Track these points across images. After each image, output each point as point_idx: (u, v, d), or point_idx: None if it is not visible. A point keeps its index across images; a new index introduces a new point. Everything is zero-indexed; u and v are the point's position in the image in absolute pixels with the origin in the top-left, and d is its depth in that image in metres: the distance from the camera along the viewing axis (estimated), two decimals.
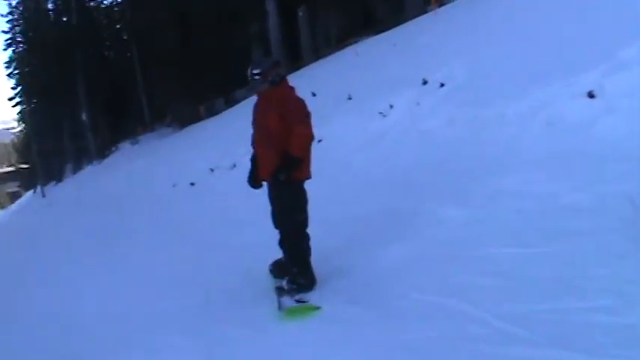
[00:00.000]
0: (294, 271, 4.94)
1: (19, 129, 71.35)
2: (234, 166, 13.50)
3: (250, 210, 9.27)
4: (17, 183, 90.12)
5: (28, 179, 70.16)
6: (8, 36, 48.33)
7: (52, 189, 41.23)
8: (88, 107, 37.62)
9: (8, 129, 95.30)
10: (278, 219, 5.07)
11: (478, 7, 13.46)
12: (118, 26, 42.67)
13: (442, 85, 9.23)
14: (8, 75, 50.28)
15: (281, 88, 4.94)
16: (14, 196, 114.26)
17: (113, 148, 34.96)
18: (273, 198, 5.07)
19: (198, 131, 22.63)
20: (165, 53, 28.43)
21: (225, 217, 9.82)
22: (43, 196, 36.04)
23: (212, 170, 14.57)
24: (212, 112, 27.60)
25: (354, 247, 5.53)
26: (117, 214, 16.38)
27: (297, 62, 22.76)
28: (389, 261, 4.91)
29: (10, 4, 46.91)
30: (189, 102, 28.76)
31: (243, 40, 26.05)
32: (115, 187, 21.49)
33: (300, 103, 4.90)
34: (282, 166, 4.73)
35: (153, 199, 15.98)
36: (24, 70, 46.82)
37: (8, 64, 49.97)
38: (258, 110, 5.12)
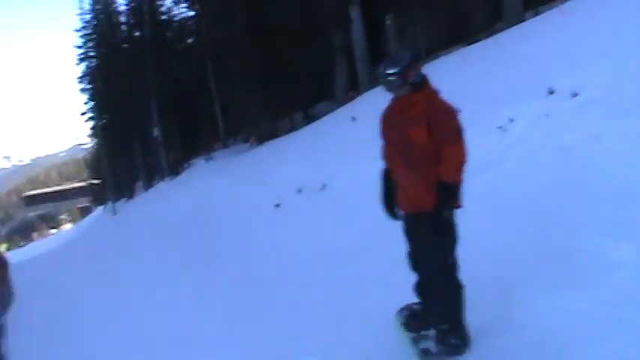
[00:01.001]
0: (445, 329, 4.09)
1: (91, 145, 73.38)
2: (324, 186, 12.86)
3: (348, 237, 8.68)
4: (88, 198, 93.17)
5: (98, 195, 72.12)
6: (81, 51, 49.93)
7: (123, 206, 41.80)
8: (160, 123, 37.95)
9: (81, 145, 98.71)
10: (423, 260, 4.21)
11: (593, 10, 12.53)
12: (191, 40, 43.20)
13: (575, 94, 8.27)
14: (81, 90, 51.84)
15: (425, 91, 4.09)
16: (84, 211, 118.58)
17: (186, 165, 34.99)
18: (415, 233, 4.20)
19: (279, 147, 22.13)
20: (242, 67, 28.28)
21: (319, 246, 9.02)
22: (114, 213, 36.33)
23: (300, 191, 13.89)
24: (291, 128, 27.27)
25: (504, 293, 4.65)
26: (192, 236, 15.99)
27: None
28: (561, 315, 4.02)
29: (83, 19, 48.37)
30: (266, 117, 28.48)
31: (325, 51, 25.62)
32: (190, 206, 21.14)
33: (451, 113, 4.03)
34: (444, 201, 3.90)
35: (233, 221, 15.42)
36: (96, 85, 47.98)
37: (81, 78, 51.49)
38: (392, 119, 4.29)
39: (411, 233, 4.27)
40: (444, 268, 4.07)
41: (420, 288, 4.36)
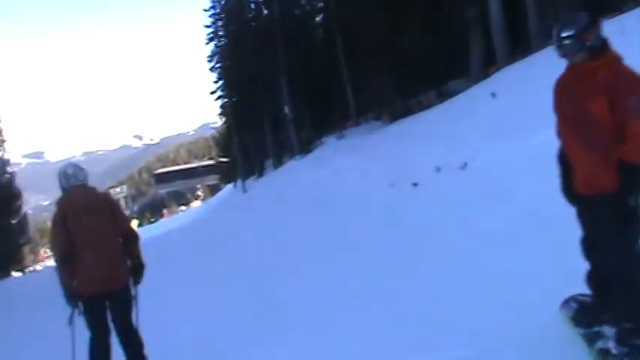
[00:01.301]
0: (627, 328, 3.69)
1: (219, 123, 75.27)
2: (465, 165, 12.56)
3: (495, 221, 8.39)
4: (217, 176, 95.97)
5: (227, 173, 74.13)
6: (210, 30, 51.48)
7: (253, 183, 42.96)
8: (290, 100, 38.50)
9: (209, 124, 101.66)
10: (602, 249, 3.80)
11: None
12: (320, 16, 43.46)
13: None
14: (210, 69, 53.43)
15: (607, 58, 3.65)
16: (213, 189, 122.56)
17: (317, 143, 35.35)
18: (593, 218, 3.84)
19: (413, 125, 21.86)
20: (373, 43, 28.12)
21: (465, 229, 8.79)
22: (245, 191, 37.42)
23: (438, 170, 13.65)
24: (423, 106, 26.88)
25: None
26: (326, 215, 16.10)
27: (521, 52, 21.17)
28: None
29: None
30: (399, 95, 28.25)
31: (459, 26, 24.96)
32: (322, 184, 21.36)
33: (638, 82, 3.54)
34: (629, 185, 3.51)
35: (367, 199, 15.46)
36: (225, 63, 49.29)
37: (210, 57, 53.10)
38: (567, 91, 3.87)
39: (586, 217, 3.92)
40: (628, 259, 3.65)
41: (595, 279, 4.02)
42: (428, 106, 25.58)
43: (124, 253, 5.97)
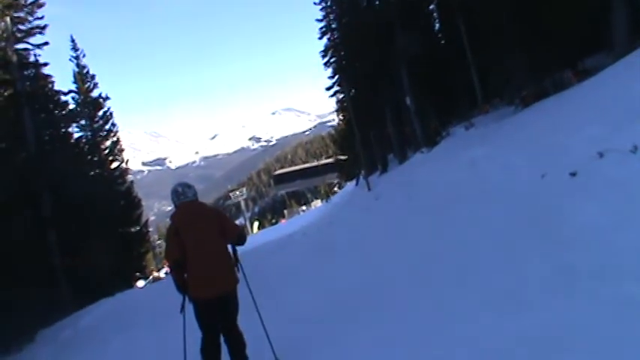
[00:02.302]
0: None
1: (336, 120, 75.08)
2: (636, 148, 10.86)
3: None
4: (336, 174, 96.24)
5: (347, 170, 73.73)
6: (322, 24, 50.73)
7: (376, 180, 41.64)
8: (412, 91, 37.00)
9: (324, 122, 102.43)
10: None
11: None
12: None
13: None
14: (325, 64, 52.78)
15: None
16: (333, 188, 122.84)
17: (444, 134, 33.62)
18: None
19: (554, 107, 20.00)
20: (498, 23, 26.30)
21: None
22: (369, 189, 36.10)
23: (601, 155, 11.96)
24: (558, 87, 24.84)
25: None
26: (467, 215, 14.76)
27: None
28: None
29: None
30: (531, 77, 26.24)
31: None
32: (456, 180, 19.87)
33: None
34: None
35: (512, 194, 13.96)
36: (340, 57, 48.39)
37: (324, 52, 52.41)
38: None
39: None
40: None
41: None
42: (564, 87, 23.59)
43: (232, 261, 6.97)
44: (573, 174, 12.41)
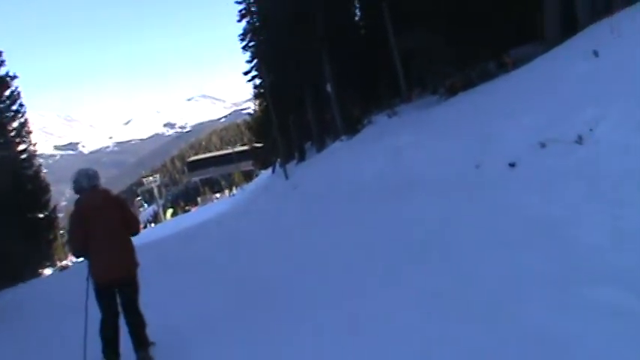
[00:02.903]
0: None
1: (252, 108, 73.69)
2: (580, 139, 9.92)
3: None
4: (251, 162, 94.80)
5: (263, 158, 72.33)
6: (242, 6, 48.81)
7: (294, 168, 40.23)
8: (333, 76, 35.75)
9: (240, 110, 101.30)
10: None
11: None
12: None
13: None
14: (243, 48, 50.97)
15: None
16: (247, 176, 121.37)
17: (365, 122, 32.36)
18: None
19: (484, 96, 19.15)
20: (424, 8, 25.34)
21: (594, 225, 7.12)
22: (286, 177, 34.66)
23: (543, 145, 11.00)
24: (484, 77, 24.12)
25: None
26: (392, 203, 13.73)
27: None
28: None
29: None
30: (456, 65, 25.37)
31: None
32: (379, 169, 18.80)
33: None
34: None
35: (445, 186, 12.97)
36: (260, 41, 46.66)
37: (243, 36, 50.58)
38: None
39: None
40: None
41: None
42: (489, 77, 22.92)
43: (132, 246, 7.18)
44: (512, 165, 11.46)
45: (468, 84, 24.19)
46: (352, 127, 33.11)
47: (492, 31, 23.80)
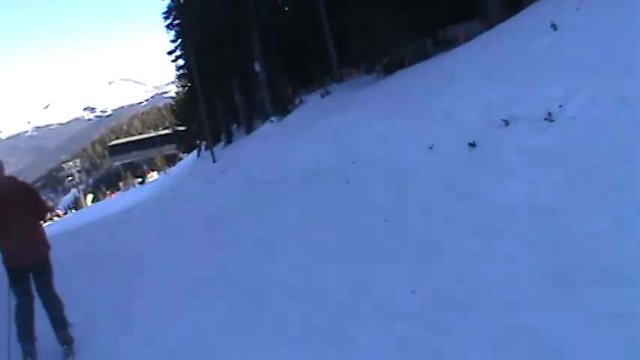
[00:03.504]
0: None
1: (175, 91, 71.60)
2: (550, 115, 8.85)
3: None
4: (174, 146, 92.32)
5: (186, 141, 70.11)
6: None
7: (221, 151, 38.31)
8: (263, 56, 34.06)
9: (161, 94, 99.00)
10: None
11: None
12: None
13: None
14: (167, 26, 48.66)
15: None
16: (170, 160, 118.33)
17: (297, 101, 30.78)
18: None
19: (428, 73, 18.01)
20: None
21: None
22: (214, 161, 32.83)
23: (507, 123, 9.87)
24: (422, 55, 23.10)
25: None
26: (338, 187, 12.44)
27: None
28: None
29: None
30: (392, 44, 24.14)
31: None
32: (315, 150, 17.40)
33: None
34: None
35: (394, 170, 11.73)
36: (185, 18, 44.38)
37: (166, 14, 48.25)
38: None
39: None
40: None
41: None
42: (427, 56, 21.92)
43: (43, 231, 7.35)
44: (472, 144, 10.28)
45: (405, 62, 23.11)
46: (283, 108, 31.46)
47: (428, 9, 22.86)
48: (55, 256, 7.25)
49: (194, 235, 12.95)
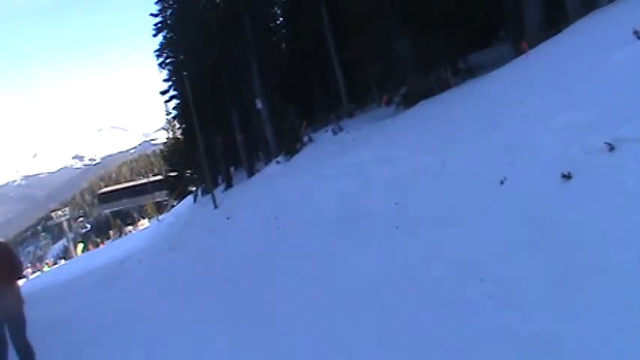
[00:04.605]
0: None
1: (166, 136, 71.11)
2: None
3: None
4: (164, 192, 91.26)
5: (180, 187, 68.63)
6: (158, 19, 44.67)
7: (221, 196, 35.89)
8: (264, 91, 32.03)
9: (149, 141, 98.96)
10: None
11: None
12: None
13: None
14: (160, 65, 46.88)
15: None
16: (160, 207, 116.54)
17: (305, 140, 28.56)
18: None
19: (467, 101, 15.94)
20: (367, 10, 22.22)
21: None
22: (215, 206, 30.44)
23: (611, 148, 7.74)
24: (444, 85, 21.23)
25: None
26: (376, 234, 10.28)
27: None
28: None
29: None
30: (410, 73, 22.19)
31: None
32: (338, 190, 15.19)
33: None
34: None
35: (451, 209, 9.51)
36: (179, 56, 42.50)
37: (159, 51, 46.46)
38: None
39: None
40: None
41: None
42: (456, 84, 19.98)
43: (18, 287, 8.27)
44: (567, 176, 8.11)
45: (427, 92, 21.09)
46: (289, 147, 29.13)
47: (449, 34, 21.03)
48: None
49: (199, 300, 10.86)
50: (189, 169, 59.05)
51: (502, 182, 9.27)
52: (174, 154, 67.23)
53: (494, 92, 14.79)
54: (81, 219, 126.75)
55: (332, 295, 8.27)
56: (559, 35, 15.78)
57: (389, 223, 10.58)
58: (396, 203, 11.61)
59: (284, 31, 38.48)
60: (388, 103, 24.88)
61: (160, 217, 71.02)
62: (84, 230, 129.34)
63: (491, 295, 6.15)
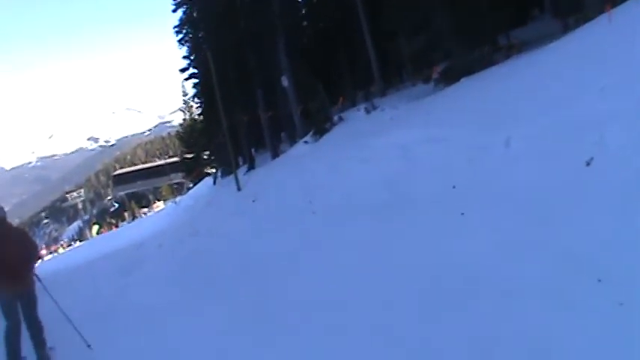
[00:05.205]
0: None
1: (182, 117, 70.73)
2: None
3: None
4: (181, 174, 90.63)
5: (197, 168, 67.77)
6: None
7: (244, 178, 34.74)
8: (291, 69, 30.85)
9: (165, 123, 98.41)
10: None
11: None
12: None
13: None
14: (179, 41, 45.79)
15: None
16: (175, 189, 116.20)
17: (336, 119, 27.36)
18: None
19: (517, 75, 14.73)
20: None
21: None
22: (239, 188, 29.28)
23: None
24: (486, 63, 19.97)
25: None
26: (439, 222, 9.10)
27: None
28: None
29: None
30: (457, 47, 20.95)
31: None
32: (381, 172, 14.04)
33: None
34: None
35: (527, 194, 8.36)
36: (199, 31, 41.31)
37: (179, 27, 45.35)
38: None
39: None
40: None
41: None
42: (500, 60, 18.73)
43: (31, 266, 8.94)
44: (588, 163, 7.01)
45: (469, 69, 19.85)
46: (319, 127, 27.92)
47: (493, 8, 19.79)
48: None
49: (231, 290, 9.84)
50: (207, 151, 57.95)
51: (588, 163, 8.11)
52: (191, 135, 67.00)
53: (554, 66, 13.61)
54: (109, 197, 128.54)
55: (395, 290, 7.18)
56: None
57: (448, 210, 9.45)
58: (454, 187, 10.46)
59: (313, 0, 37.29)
60: (427, 81, 23.66)
61: (177, 200, 70.26)
62: (112, 209, 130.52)
63: (622, 302, 4.98)
